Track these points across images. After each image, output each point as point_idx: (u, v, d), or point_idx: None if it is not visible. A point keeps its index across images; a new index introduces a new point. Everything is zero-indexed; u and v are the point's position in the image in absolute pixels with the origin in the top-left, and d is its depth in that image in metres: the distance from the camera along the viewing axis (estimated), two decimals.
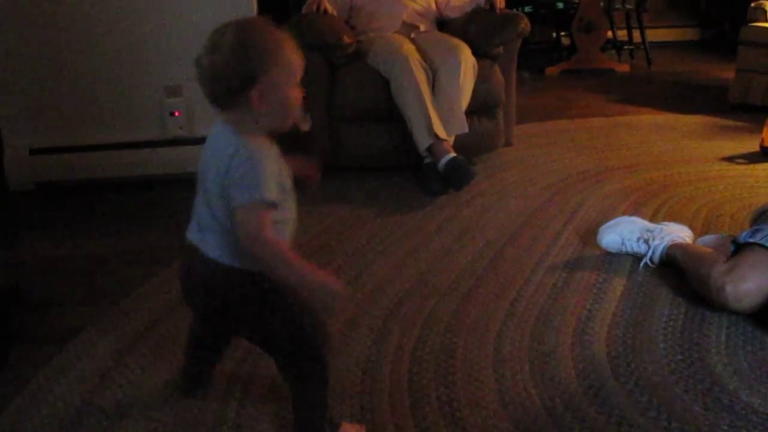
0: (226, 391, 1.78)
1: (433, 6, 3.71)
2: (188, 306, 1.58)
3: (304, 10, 3.45)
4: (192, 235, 1.50)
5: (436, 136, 3.13)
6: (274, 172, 1.41)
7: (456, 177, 3.07)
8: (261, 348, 1.62)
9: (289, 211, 1.50)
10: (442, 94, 3.21)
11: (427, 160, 3.19)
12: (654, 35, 6.75)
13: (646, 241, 2.39)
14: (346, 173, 3.39)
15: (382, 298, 2.23)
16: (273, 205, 1.38)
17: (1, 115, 3.28)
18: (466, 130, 3.23)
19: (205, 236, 1.46)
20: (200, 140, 3.59)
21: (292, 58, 1.42)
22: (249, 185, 1.36)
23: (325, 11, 3.42)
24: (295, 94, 1.44)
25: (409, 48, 3.29)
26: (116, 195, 3.26)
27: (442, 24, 3.75)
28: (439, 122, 3.15)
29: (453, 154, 3.11)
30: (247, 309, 1.47)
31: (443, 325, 2.06)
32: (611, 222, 2.52)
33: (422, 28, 3.61)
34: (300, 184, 1.54)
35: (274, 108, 1.41)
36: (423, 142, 3.15)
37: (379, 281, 2.35)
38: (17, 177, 3.32)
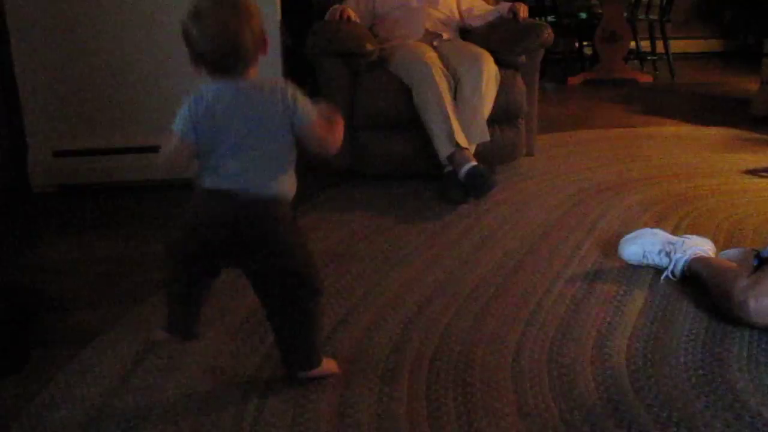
0: (243, 396, 1.79)
1: (456, 14, 3.71)
2: (200, 248, 1.68)
3: (327, 17, 3.46)
4: (221, 183, 1.63)
5: (457, 144, 3.12)
6: None
7: (477, 185, 3.07)
8: (263, 283, 1.74)
9: None
10: (464, 102, 3.21)
11: (448, 169, 3.19)
12: (677, 46, 6.72)
13: (668, 254, 2.38)
14: (368, 180, 3.39)
15: (402, 306, 2.23)
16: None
17: (25, 117, 3.32)
18: (488, 138, 3.23)
19: (251, 176, 1.63)
20: None
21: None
22: (306, 105, 1.64)
23: (348, 18, 3.43)
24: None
25: (431, 56, 3.30)
26: (138, 198, 3.28)
27: (465, 32, 3.75)
28: (461, 130, 3.15)
29: (474, 163, 3.11)
30: (280, 233, 1.67)
31: (462, 335, 2.05)
32: (633, 234, 2.50)
33: (445, 36, 3.61)
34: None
35: (264, 51, 1.65)
36: (444, 150, 3.15)
37: (399, 289, 2.35)
38: (40, 179, 3.35)
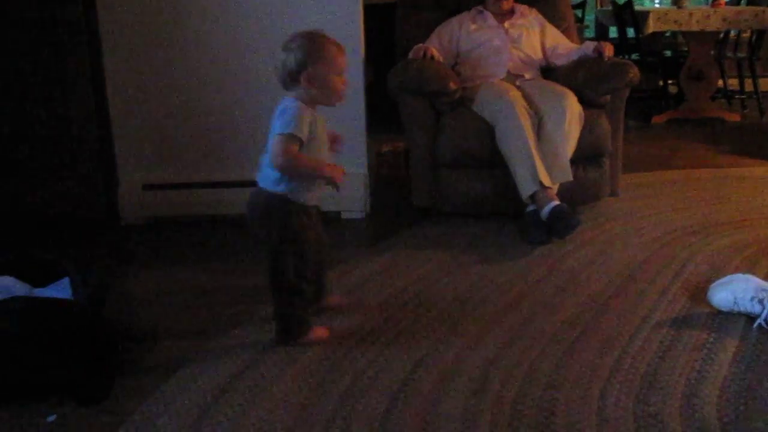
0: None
1: (539, 53, 3.70)
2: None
3: (410, 56, 3.49)
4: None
5: (540, 183, 3.09)
6: (306, 118, 2.05)
7: (560, 225, 3.02)
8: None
9: (319, 154, 2.14)
10: (547, 141, 3.18)
11: (530, 208, 3.16)
12: (767, 84, 6.53)
13: (761, 301, 2.29)
14: (448, 218, 3.38)
15: (482, 348, 2.20)
16: (299, 140, 2.04)
17: (117, 152, 3.43)
18: (570, 178, 3.19)
19: (259, 171, 2.15)
20: None
21: (336, 55, 2.09)
22: (284, 122, 2.04)
23: (432, 57, 3.45)
24: (337, 82, 2.11)
25: (515, 94, 3.28)
26: (225, 232, 3.35)
27: (548, 71, 3.73)
28: (544, 169, 3.12)
29: (557, 202, 3.07)
30: (270, 218, 2.14)
31: (545, 379, 2.01)
32: (723, 279, 2.42)
33: (527, 76, 3.60)
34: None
35: (319, 88, 2.08)
36: (527, 189, 3.12)
37: (479, 330, 2.32)
38: (130, 211, 3.45)
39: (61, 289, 2.20)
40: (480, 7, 3.76)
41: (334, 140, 2.27)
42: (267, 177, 2.13)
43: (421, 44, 3.53)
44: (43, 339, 1.94)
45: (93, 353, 2.00)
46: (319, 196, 2.23)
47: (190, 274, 2.86)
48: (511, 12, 3.76)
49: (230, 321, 2.40)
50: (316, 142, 2.12)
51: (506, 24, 3.69)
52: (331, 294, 2.46)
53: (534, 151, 3.12)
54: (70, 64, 3.29)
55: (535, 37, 3.72)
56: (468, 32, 3.68)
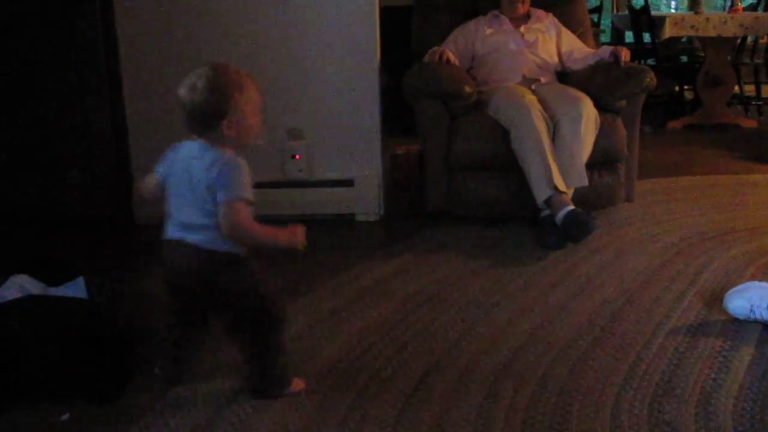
0: None
1: (555, 58, 3.69)
2: (174, 292, 1.92)
3: (426, 59, 3.48)
4: (173, 233, 1.85)
5: (555, 187, 3.08)
6: (249, 174, 1.80)
7: (575, 230, 3.01)
8: (227, 321, 1.94)
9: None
10: (562, 145, 3.17)
11: (545, 212, 3.14)
12: None
13: None
14: (461, 222, 3.37)
15: (495, 353, 2.19)
16: (250, 202, 1.79)
17: (131, 151, 3.44)
18: (586, 183, 3.17)
19: (191, 231, 1.82)
20: (319, 183, 3.67)
21: (254, 95, 1.83)
22: (234, 183, 1.77)
23: (448, 60, 3.44)
24: (256, 121, 1.85)
25: (530, 98, 3.27)
26: None
27: (564, 75, 3.72)
28: (559, 174, 3.10)
29: (572, 207, 3.06)
30: (227, 280, 1.85)
31: (558, 386, 2.00)
32: (740, 286, 2.40)
33: (543, 80, 3.59)
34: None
35: (239, 133, 1.81)
36: (541, 193, 3.11)
37: (492, 335, 2.31)
38: (143, 211, 3.45)
39: (75, 289, 2.20)
40: (496, 11, 3.76)
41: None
42: (213, 239, 1.81)
43: (436, 47, 3.52)
44: (57, 338, 1.95)
45: (106, 353, 2.01)
46: None
47: None
48: (527, 16, 3.75)
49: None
50: None
51: (522, 29, 3.69)
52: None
53: (549, 156, 3.11)
54: (86, 65, 3.30)
55: (551, 42, 3.71)
56: (484, 36, 3.68)
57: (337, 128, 3.48)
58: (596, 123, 3.24)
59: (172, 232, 1.86)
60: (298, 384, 2.00)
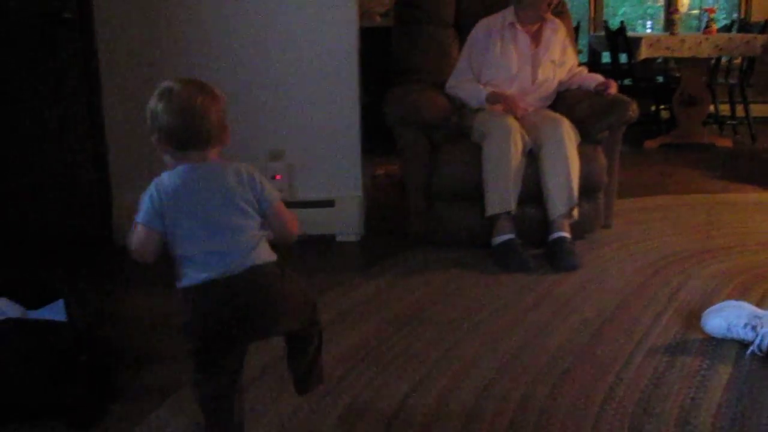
0: None
1: (554, 90, 3.62)
2: (214, 339, 1.67)
3: (486, 107, 3.42)
4: (206, 273, 1.64)
5: (506, 209, 3.15)
6: None
7: (505, 259, 3.10)
8: (295, 334, 1.80)
9: None
10: (552, 168, 3.18)
11: (505, 238, 3.17)
12: (759, 110, 6.57)
13: (754, 328, 2.30)
14: (442, 246, 3.35)
15: (475, 375, 2.20)
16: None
17: (112, 173, 3.43)
18: (576, 202, 3.20)
19: (239, 256, 1.64)
20: (299, 204, 3.64)
21: None
22: (268, 188, 1.69)
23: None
24: None
25: (513, 121, 3.26)
26: None
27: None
28: (515, 197, 3.16)
29: (511, 236, 3.14)
30: (293, 290, 1.73)
31: (538, 407, 2.01)
32: (716, 306, 2.44)
33: (531, 110, 3.51)
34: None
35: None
36: (492, 207, 3.17)
37: (472, 356, 2.32)
38: (124, 232, 3.43)
39: (55, 312, 2.19)
40: (512, 18, 3.52)
41: None
42: (264, 248, 1.71)
43: (497, 91, 3.44)
44: (36, 362, 1.94)
45: (85, 376, 1.99)
46: None
47: None
48: (543, 20, 3.56)
49: None
50: None
51: (538, 47, 3.53)
52: None
53: (512, 176, 3.14)
54: (66, 83, 3.30)
55: (560, 73, 3.61)
56: (494, 56, 3.51)
57: (318, 149, 3.49)
58: (576, 138, 3.26)
59: (209, 271, 1.65)
60: None
